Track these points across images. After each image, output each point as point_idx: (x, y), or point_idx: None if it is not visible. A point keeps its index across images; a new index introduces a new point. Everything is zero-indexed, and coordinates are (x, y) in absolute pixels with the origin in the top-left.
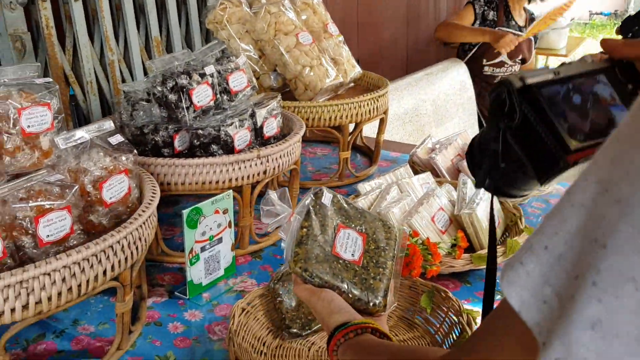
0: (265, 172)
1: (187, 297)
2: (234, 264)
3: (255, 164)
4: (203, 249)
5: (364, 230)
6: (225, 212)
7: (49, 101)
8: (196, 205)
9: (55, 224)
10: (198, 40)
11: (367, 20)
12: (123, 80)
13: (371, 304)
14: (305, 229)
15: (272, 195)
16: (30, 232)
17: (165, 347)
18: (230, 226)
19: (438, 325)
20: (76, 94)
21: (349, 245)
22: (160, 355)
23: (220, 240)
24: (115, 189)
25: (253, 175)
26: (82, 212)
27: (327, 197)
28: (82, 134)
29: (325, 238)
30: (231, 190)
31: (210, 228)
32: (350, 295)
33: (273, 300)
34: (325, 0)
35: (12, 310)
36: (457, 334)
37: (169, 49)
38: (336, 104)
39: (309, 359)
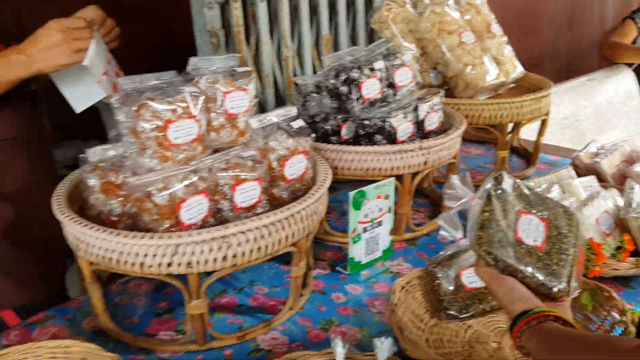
0: (425, 163)
1: (348, 272)
2: (391, 248)
3: (417, 155)
4: (365, 230)
5: (545, 217)
6: (386, 197)
7: (247, 87)
8: (361, 189)
9: (248, 192)
10: (362, 39)
11: (527, 24)
12: (294, 75)
13: (555, 289)
14: (487, 213)
15: (454, 179)
16: (227, 197)
17: (330, 312)
18: (390, 212)
19: (599, 324)
20: (255, 86)
21: (531, 230)
22: (325, 319)
23: (380, 224)
24: (295, 167)
25: (414, 165)
26: (267, 185)
27: (507, 182)
28: (272, 117)
29: (507, 223)
30: (393, 178)
31: (372, 211)
32: (534, 280)
33: (431, 282)
34: (488, 2)
35: (215, 260)
36: (620, 333)
37: (336, 46)
38: (497, 102)
39: (465, 340)
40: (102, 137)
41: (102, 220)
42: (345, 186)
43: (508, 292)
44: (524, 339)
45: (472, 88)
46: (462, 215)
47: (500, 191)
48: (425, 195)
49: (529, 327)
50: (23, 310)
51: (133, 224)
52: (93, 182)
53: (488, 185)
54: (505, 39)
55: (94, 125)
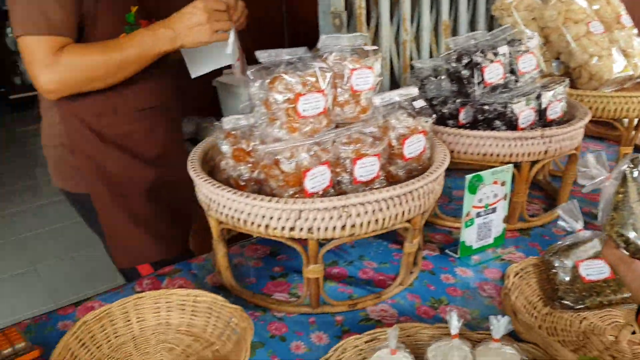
0: (546, 152)
1: (458, 255)
2: (503, 235)
3: (538, 143)
4: (478, 215)
5: None
6: (503, 184)
7: (372, 66)
8: (478, 173)
9: (367, 167)
10: (482, 26)
11: None
12: (411, 59)
13: None
14: (621, 195)
15: (589, 157)
16: (348, 170)
17: (439, 292)
18: (505, 199)
19: None
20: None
21: None
22: (435, 298)
23: (494, 210)
24: (414, 146)
25: (534, 153)
26: (385, 162)
27: None
28: (394, 96)
29: None
30: (511, 165)
31: (487, 196)
32: None
33: (546, 271)
34: None
35: (334, 228)
36: None
37: (454, 32)
38: (625, 95)
39: (580, 330)
40: (218, 115)
41: (230, 184)
42: (456, 174)
43: (637, 278)
44: None
45: (596, 80)
46: (583, 201)
47: (636, 173)
48: (540, 188)
49: None
50: (156, 267)
51: (259, 189)
52: (225, 148)
53: (624, 166)
54: (635, 31)
55: (212, 104)
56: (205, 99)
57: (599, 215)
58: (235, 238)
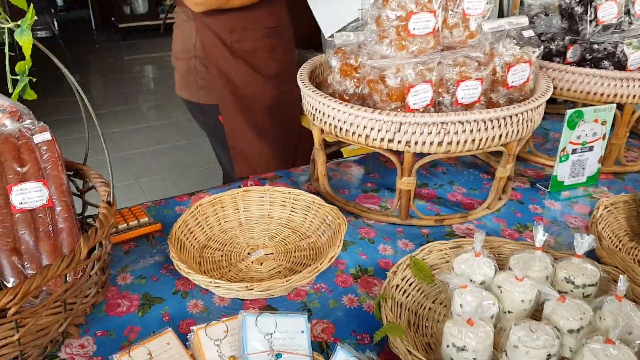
0: None
1: (549, 190)
2: (596, 175)
3: None
4: (574, 151)
5: None
6: (603, 123)
7: None
8: (580, 109)
9: (469, 90)
10: None
11: None
12: None
13: None
14: None
15: None
16: (450, 91)
17: (526, 219)
18: (604, 139)
19: None
20: None
21: None
22: (520, 223)
23: (591, 149)
24: (518, 75)
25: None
26: (488, 88)
27: None
28: (503, 23)
29: None
30: (615, 104)
31: (586, 134)
32: None
33: (637, 208)
34: None
35: (431, 143)
36: None
37: None
38: None
39: None
40: (319, 49)
41: (335, 98)
42: (556, 117)
43: None
44: None
45: None
46: None
47: None
48: (639, 137)
49: None
50: None
51: (362, 104)
52: (334, 62)
53: None
54: None
55: (315, 40)
56: (308, 31)
57: None
58: (330, 157)
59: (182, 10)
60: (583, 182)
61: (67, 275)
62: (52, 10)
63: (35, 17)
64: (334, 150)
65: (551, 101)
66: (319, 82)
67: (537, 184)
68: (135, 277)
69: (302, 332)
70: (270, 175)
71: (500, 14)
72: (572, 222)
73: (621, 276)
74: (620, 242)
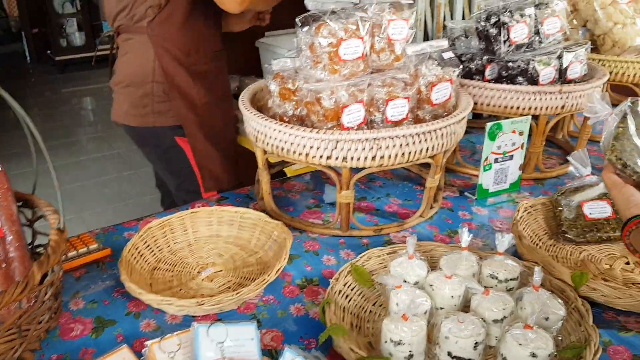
0: (563, 107)
1: (476, 197)
2: (518, 182)
3: (556, 98)
4: (496, 160)
5: None
6: (521, 134)
7: (408, 18)
8: (498, 122)
9: (398, 109)
10: None
11: None
12: (444, 20)
13: None
14: (621, 128)
15: (596, 94)
16: (380, 110)
17: (456, 224)
18: (522, 148)
19: None
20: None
21: None
22: (451, 229)
23: (511, 158)
24: (441, 93)
25: (551, 107)
26: (414, 106)
27: None
28: (425, 46)
29: (638, 140)
30: (530, 116)
31: (505, 144)
32: None
33: (553, 209)
34: None
35: (365, 158)
36: None
37: None
38: None
39: (578, 259)
40: (259, 75)
41: (275, 120)
42: (480, 131)
43: (625, 200)
44: (632, 237)
45: (619, 47)
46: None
47: (635, 113)
48: (558, 146)
49: (637, 227)
50: None
51: (301, 125)
52: (274, 87)
53: (624, 106)
54: None
55: (255, 65)
56: (247, 60)
57: (602, 145)
58: (274, 177)
59: (133, 37)
60: (506, 188)
61: (21, 301)
62: None
63: None
64: (277, 171)
65: (477, 116)
66: (260, 106)
67: (465, 192)
68: (87, 302)
69: (252, 339)
70: (216, 198)
71: (425, 37)
72: (498, 225)
73: (535, 268)
74: (540, 240)
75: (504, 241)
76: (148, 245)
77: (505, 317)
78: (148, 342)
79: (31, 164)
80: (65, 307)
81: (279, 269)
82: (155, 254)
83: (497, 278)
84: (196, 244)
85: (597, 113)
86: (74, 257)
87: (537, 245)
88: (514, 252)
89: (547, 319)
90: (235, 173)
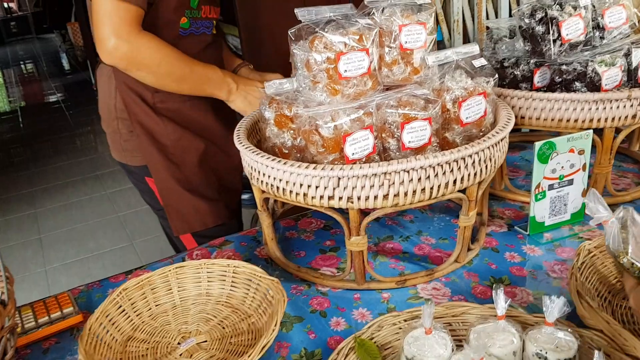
0: (634, 117)
1: (528, 232)
2: (582, 211)
3: (624, 106)
4: (551, 187)
5: None
6: (581, 152)
7: (425, 21)
8: (550, 140)
9: (417, 132)
10: None
11: None
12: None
13: None
14: (624, 234)
15: (591, 194)
16: (395, 135)
17: (501, 271)
18: (584, 169)
19: None
20: (442, 32)
21: None
22: (495, 277)
23: (570, 182)
24: (473, 110)
25: (620, 117)
26: (439, 127)
27: None
28: (450, 54)
29: None
30: (591, 131)
31: (562, 167)
32: None
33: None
34: None
35: (375, 197)
36: None
37: None
38: None
39: None
40: None
41: (275, 152)
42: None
43: None
44: None
45: None
46: None
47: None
48: (634, 160)
49: None
50: (203, 240)
51: (302, 157)
52: (269, 114)
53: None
54: None
55: None
56: None
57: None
58: (291, 211)
59: (102, 68)
60: (567, 220)
61: None
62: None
63: None
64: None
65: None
66: (260, 138)
67: (515, 227)
68: None
69: None
70: (219, 242)
71: (466, 41)
72: (554, 270)
73: (596, 352)
74: (609, 293)
75: (553, 308)
76: (123, 311)
77: None
78: None
79: None
80: None
81: (265, 346)
82: (132, 320)
83: (546, 359)
84: (182, 306)
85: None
86: (45, 323)
87: (605, 298)
88: (574, 315)
89: None
90: (218, 212)
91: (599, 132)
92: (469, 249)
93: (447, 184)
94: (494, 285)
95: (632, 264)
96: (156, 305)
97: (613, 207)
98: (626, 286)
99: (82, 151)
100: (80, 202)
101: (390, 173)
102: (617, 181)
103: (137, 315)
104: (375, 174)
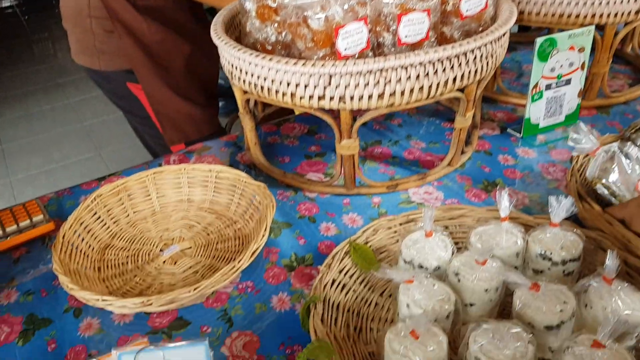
0: (638, 13)
1: (521, 135)
2: (577, 112)
3: (628, 1)
4: (548, 87)
5: None
6: (581, 50)
7: None
8: (552, 36)
9: (415, 26)
10: None
11: None
12: None
13: None
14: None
15: (581, 124)
16: (391, 29)
17: (494, 174)
18: (583, 68)
19: None
20: None
21: None
22: (488, 180)
23: (568, 82)
24: (473, 2)
25: (623, 13)
26: (437, 21)
27: None
28: None
29: None
30: (594, 27)
31: (561, 65)
32: None
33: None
34: None
35: (370, 96)
36: None
37: None
38: None
39: None
40: None
41: (256, 49)
42: (528, 46)
43: None
44: None
45: None
46: None
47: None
48: (626, 62)
49: None
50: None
51: (287, 54)
52: (249, 5)
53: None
54: None
55: None
56: None
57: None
58: (273, 116)
59: None
60: (561, 122)
61: None
62: None
63: None
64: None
65: (525, 28)
66: (238, 34)
67: (508, 129)
68: (22, 294)
69: None
70: (198, 147)
71: None
72: (549, 172)
73: (610, 252)
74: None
75: (559, 209)
76: (99, 218)
77: (563, 321)
78: None
79: None
80: None
81: (255, 251)
82: (109, 227)
83: (550, 259)
84: (162, 213)
85: (583, 147)
86: (13, 232)
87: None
88: (574, 217)
89: (625, 321)
90: (211, 120)
91: (600, 29)
92: (462, 152)
93: (446, 82)
94: (498, 186)
95: (607, 190)
96: (134, 212)
97: (607, 108)
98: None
99: (41, 58)
100: (42, 112)
101: (387, 70)
102: (610, 83)
103: (114, 223)
104: (371, 71)
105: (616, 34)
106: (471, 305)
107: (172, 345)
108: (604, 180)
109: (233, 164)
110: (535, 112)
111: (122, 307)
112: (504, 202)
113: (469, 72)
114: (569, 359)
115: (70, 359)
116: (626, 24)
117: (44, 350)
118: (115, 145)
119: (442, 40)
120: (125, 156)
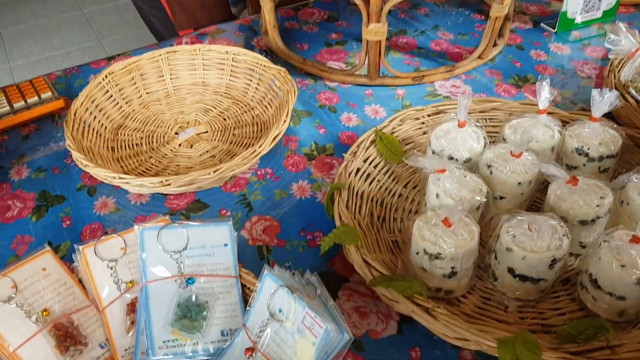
0: None
1: (555, 30)
2: (615, 9)
3: None
4: None
5: None
6: None
7: None
8: None
9: None
10: None
11: None
12: None
13: None
14: None
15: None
16: None
17: (526, 69)
18: None
19: None
20: None
21: None
22: (519, 75)
23: None
24: None
25: None
26: None
27: None
28: None
29: None
30: None
31: None
32: None
33: None
34: None
35: None
36: None
37: None
38: None
39: None
40: None
41: None
42: None
43: None
44: None
45: None
46: None
47: None
48: None
49: None
50: None
51: None
52: None
53: None
54: None
55: None
56: None
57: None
58: (290, 1)
59: None
60: (598, 17)
61: None
62: None
63: None
64: None
65: None
66: None
67: (542, 24)
68: (33, 170)
69: (226, 245)
70: (212, 30)
71: None
72: (582, 70)
73: None
74: None
75: (602, 102)
76: (111, 96)
77: (599, 217)
78: (80, 246)
79: None
80: (4, 177)
81: (277, 136)
82: (121, 107)
83: (587, 155)
84: (176, 95)
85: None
86: (21, 108)
87: None
88: (609, 114)
89: None
90: (223, 4)
91: None
92: (494, 45)
93: None
94: (540, 77)
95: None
96: (147, 93)
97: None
98: None
99: None
100: None
101: None
102: None
103: (126, 103)
104: None
105: None
106: (501, 198)
107: (195, 223)
108: (637, 84)
109: (248, 48)
110: (572, 5)
111: (140, 186)
112: (544, 94)
113: None
114: (606, 252)
115: (86, 235)
116: None
117: (58, 226)
118: (118, 34)
119: None
120: (128, 46)
